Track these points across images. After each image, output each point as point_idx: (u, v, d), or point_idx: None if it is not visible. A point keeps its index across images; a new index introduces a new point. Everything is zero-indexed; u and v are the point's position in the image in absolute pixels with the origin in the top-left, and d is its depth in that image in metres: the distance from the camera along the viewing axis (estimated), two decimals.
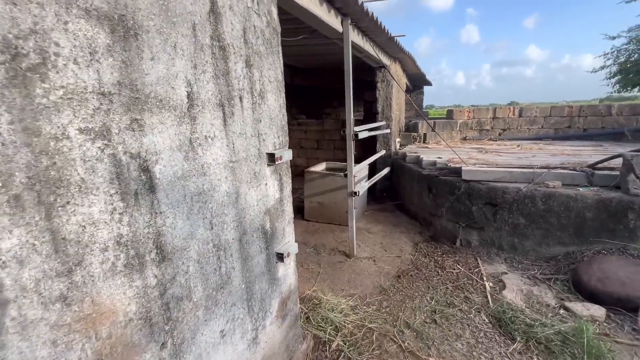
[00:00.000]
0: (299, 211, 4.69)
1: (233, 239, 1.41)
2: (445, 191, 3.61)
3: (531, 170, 3.14)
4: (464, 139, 6.61)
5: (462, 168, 3.40)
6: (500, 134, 6.58)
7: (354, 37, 3.19)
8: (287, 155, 1.73)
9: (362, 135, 3.16)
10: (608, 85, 10.60)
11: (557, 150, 4.70)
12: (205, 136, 1.22)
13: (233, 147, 1.38)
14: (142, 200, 0.99)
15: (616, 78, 10.48)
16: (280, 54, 1.73)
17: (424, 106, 11.87)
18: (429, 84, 10.44)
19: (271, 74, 1.64)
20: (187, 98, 1.13)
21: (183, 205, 1.13)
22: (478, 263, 3.12)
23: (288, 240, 1.89)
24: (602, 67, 10.62)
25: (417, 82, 10.26)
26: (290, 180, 1.89)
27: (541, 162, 3.64)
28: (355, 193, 3.11)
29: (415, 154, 4.68)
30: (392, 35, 3.79)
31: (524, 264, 3.02)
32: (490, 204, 3.20)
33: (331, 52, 4.93)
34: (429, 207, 3.94)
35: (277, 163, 1.64)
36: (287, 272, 1.92)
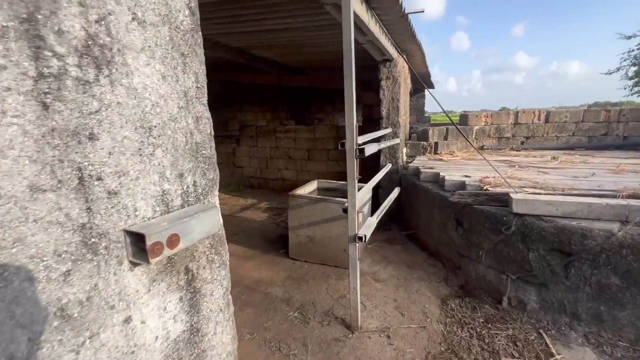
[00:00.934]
0: (283, 244, 3.62)
1: None
2: (483, 227, 2.57)
3: (622, 202, 2.11)
4: (481, 148, 5.62)
5: (512, 197, 2.36)
6: (522, 143, 5.61)
7: (357, 5, 2.16)
8: (211, 222, 0.66)
9: (369, 151, 2.11)
10: (625, 88, 9.79)
11: (610, 164, 3.71)
12: None
13: None
14: None
15: (634, 80, 9.67)
16: None
17: (425, 111, 10.95)
18: (432, 86, 9.52)
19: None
20: None
21: None
22: (545, 341, 2.06)
23: None
24: (618, 69, 9.83)
25: (418, 83, 9.34)
26: (228, 276, 0.82)
27: (614, 186, 2.64)
28: (360, 238, 2.05)
29: (431, 170, 3.64)
30: (407, 12, 2.78)
31: (620, 347, 1.97)
32: (559, 251, 2.17)
33: (323, 42, 3.91)
34: (457, 246, 2.90)
35: (159, 257, 0.56)
36: None
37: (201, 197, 0.71)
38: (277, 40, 3.88)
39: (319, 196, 3.19)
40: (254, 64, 5.24)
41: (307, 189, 3.59)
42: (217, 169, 0.76)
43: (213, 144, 0.74)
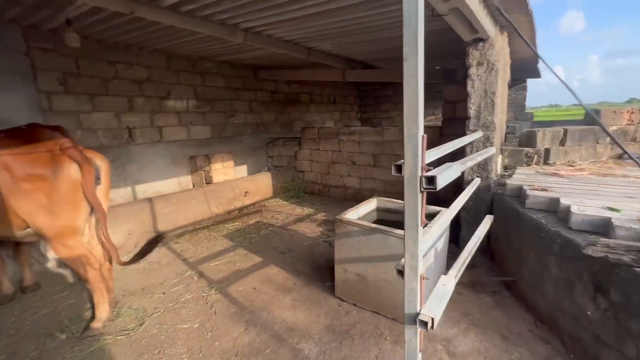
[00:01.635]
0: (332, 273, 2.92)
1: None
2: None
3: None
4: (619, 157, 4.00)
5: None
6: None
7: None
8: None
9: (445, 179, 1.29)
10: None
11: None
12: None
13: None
14: None
15: None
16: None
17: (526, 107, 8.91)
18: (538, 74, 7.61)
19: None
20: None
21: None
22: None
23: None
24: None
25: (519, 72, 7.53)
26: None
27: None
28: (424, 323, 1.24)
29: (544, 194, 2.52)
30: None
31: None
32: None
33: (390, 22, 3.10)
34: (593, 324, 1.81)
35: None
36: None
37: None
38: (332, 27, 3.21)
39: (374, 225, 2.42)
40: (314, 59, 4.68)
41: (362, 211, 2.85)
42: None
43: None
